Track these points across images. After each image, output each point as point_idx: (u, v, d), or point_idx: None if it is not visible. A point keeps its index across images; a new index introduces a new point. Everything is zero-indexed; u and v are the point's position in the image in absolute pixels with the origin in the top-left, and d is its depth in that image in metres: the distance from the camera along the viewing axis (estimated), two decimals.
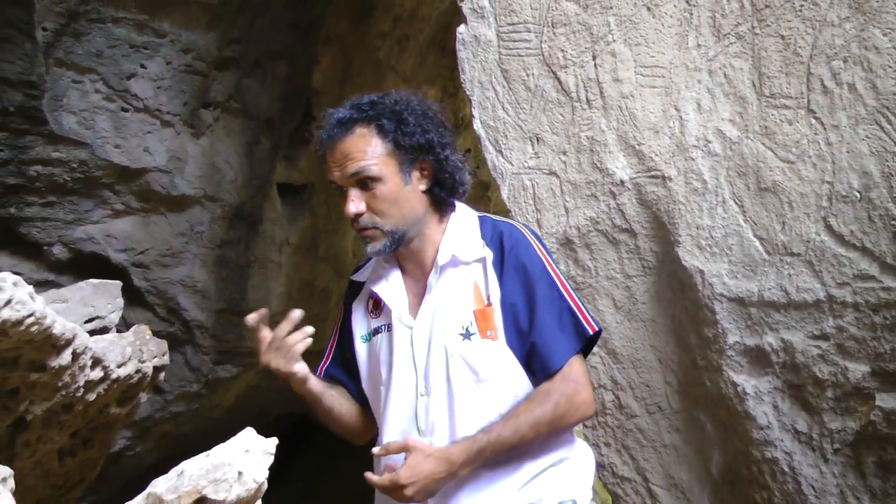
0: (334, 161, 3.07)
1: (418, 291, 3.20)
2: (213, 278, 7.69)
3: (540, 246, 3.16)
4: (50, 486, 4.17)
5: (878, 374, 3.78)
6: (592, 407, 3.07)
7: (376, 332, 3.27)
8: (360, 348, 3.33)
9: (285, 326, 3.04)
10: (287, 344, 3.07)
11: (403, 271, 3.26)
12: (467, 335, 3.06)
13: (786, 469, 4.00)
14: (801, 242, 3.84)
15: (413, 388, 3.13)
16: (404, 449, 2.90)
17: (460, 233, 3.18)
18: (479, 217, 3.26)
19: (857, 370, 3.81)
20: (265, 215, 7.92)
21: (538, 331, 3.03)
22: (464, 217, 3.24)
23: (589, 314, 3.09)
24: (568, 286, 3.10)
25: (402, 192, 3.07)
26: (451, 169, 3.14)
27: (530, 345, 3.04)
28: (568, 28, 4.19)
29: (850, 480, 3.92)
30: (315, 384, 3.21)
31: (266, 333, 3.09)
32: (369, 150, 3.03)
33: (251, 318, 3.11)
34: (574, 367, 3.02)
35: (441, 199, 3.17)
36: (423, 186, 3.13)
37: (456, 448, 2.92)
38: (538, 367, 3.04)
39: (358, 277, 3.42)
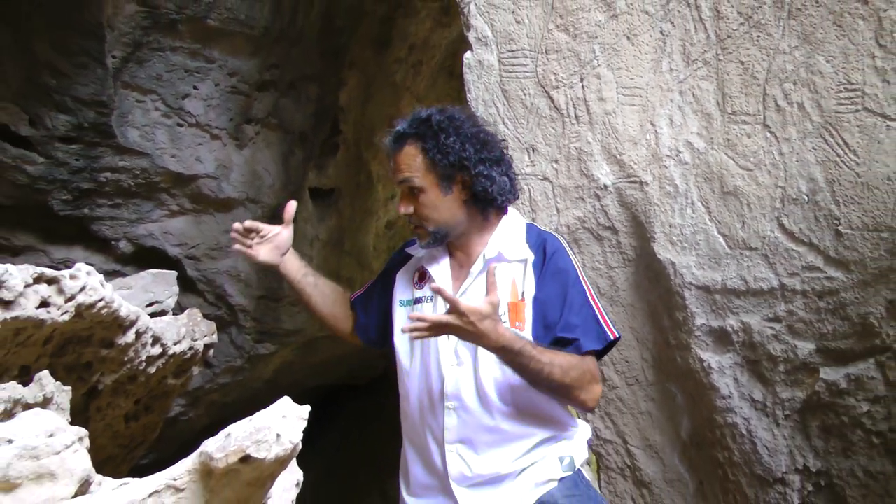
0: (392, 168, 3.21)
1: (460, 276, 3.26)
2: (254, 269, 7.67)
3: (574, 257, 3.21)
4: (118, 445, 4.18)
5: (822, 351, 3.83)
6: (596, 402, 3.10)
7: (419, 300, 3.31)
8: (399, 311, 3.37)
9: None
10: (278, 237, 3.33)
11: (452, 257, 3.31)
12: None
13: (744, 432, 4.02)
14: (758, 238, 3.86)
15: (447, 357, 3.17)
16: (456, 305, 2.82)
17: (508, 234, 3.24)
18: (527, 224, 3.33)
19: (805, 348, 3.85)
20: (298, 215, 7.78)
21: (564, 328, 3.06)
22: (513, 222, 3.31)
23: (611, 322, 3.13)
24: (595, 296, 3.16)
25: (442, 200, 3.15)
26: (484, 183, 3.15)
27: (555, 338, 3.06)
28: (559, 54, 4.20)
29: (798, 441, 3.95)
30: (295, 275, 3.43)
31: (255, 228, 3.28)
32: (413, 165, 3.14)
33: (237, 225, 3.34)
34: (592, 365, 3.07)
35: (480, 207, 3.22)
36: (463, 197, 3.18)
37: (506, 331, 2.90)
38: (565, 346, 3.06)
39: (410, 250, 3.45)
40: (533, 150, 4.28)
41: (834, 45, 3.67)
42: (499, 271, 3.07)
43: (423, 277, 3.33)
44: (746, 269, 3.90)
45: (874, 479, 3.80)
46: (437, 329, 2.87)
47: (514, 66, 4.30)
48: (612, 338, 3.10)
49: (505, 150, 3.31)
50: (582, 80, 4.17)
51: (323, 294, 3.56)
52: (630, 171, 4.12)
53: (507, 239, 3.21)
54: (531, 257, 3.16)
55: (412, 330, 2.85)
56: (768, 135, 3.82)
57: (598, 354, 3.16)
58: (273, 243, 3.33)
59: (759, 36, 3.83)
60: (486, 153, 3.18)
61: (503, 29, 4.31)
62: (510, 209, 3.32)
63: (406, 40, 8.15)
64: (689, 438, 4.25)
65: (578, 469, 3.17)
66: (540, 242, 3.21)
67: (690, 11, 3.96)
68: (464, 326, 2.80)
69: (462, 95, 4.81)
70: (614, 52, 4.12)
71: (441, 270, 3.28)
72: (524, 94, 4.28)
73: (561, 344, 3.03)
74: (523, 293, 3.11)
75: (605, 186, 4.17)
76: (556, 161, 4.25)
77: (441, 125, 3.14)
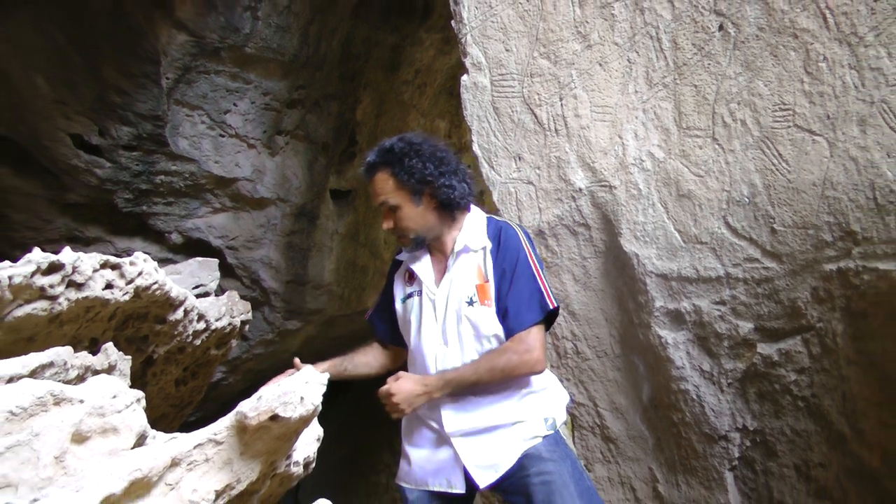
0: (371, 193, 3.30)
1: (441, 269, 3.33)
2: (283, 258, 7.69)
3: (527, 241, 3.26)
4: (169, 405, 4.18)
5: (759, 329, 3.85)
6: (542, 365, 3.14)
7: (410, 295, 3.38)
8: (399, 307, 3.45)
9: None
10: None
11: (432, 255, 3.37)
12: (471, 302, 3.18)
13: (694, 397, 4.03)
14: (708, 234, 3.86)
15: (436, 338, 3.25)
16: (396, 379, 3.10)
17: (472, 229, 3.30)
18: (487, 217, 3.38)
19: (745, 326, 3.87)
20: (321, 213, 7.92)
21: (511, 300, 3.14)
22: (475, 217, 3.36)
23: (552, 294, 3.18)
24: (542, 273, 3.20)
25: (416, 212, 3.24)
26: (447, 192, 3.24)
27: (504, 309, 3.15)
28: (542, 78, 4.20)
29: (738, 405, 3.95)
30: (338, 376, 3.41)
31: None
32: (387, 188, 3.23)
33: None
34: (532, 334, 3.12)
35: (447, 211, 3.29)
36: (433, 205, 3.26)
37: (430, 377, 3.12)
38: (507, 328, 3.15)
39: (400, 258, 3.52)
40: (519, 158, 4.28)
41: (770, 71, 3.68)
42: (466, 260, 3.24)
43: (411, 276, 3.41)
44: (698, 259, 3.91)
45: (799, 436, 3.81)
46: (394, 404, 3.10)
47: (503, 87, 4.29)
48: (551, 307, 3.14)
49: (459, 161, 3.38)
50: (561, 99, 4.17)
51: (361, 364, 3.57)
52: (601, 177, 4.12)
53: (470, 233, 3.28)
54: (489, 245, 3.24)
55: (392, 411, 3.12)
56: (716, 147, 3.82)
57: (546, 323, 3.22)
58: None
59: (709, 63, 3.83)
60: (444, 167, 3.26)
61: (495, 56, 4.31)
62: (472, 207, 3.38)
63: (413, 65, 8.15)
64: (648, 402, 4.25)
65: (557, 430, 3.19)
66: (497, 231, 3.27)
67: (653, 43, 3.97)
68: (399, 395, 3.07)
69: (460, 112, 4.81)
70: (588, 77, 4.12)
71: (424, 268, 3.36)
72: (512, 111, 4.28)
73: (507, 315, 3.13)
74: (487, 275, 3.19)
75: (580, 189, 4.16)
76: (539, 168, 4.25)
77: (403, 151, 3.23)
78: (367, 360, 3.55)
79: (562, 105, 4.17)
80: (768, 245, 3.73)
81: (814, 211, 3.58)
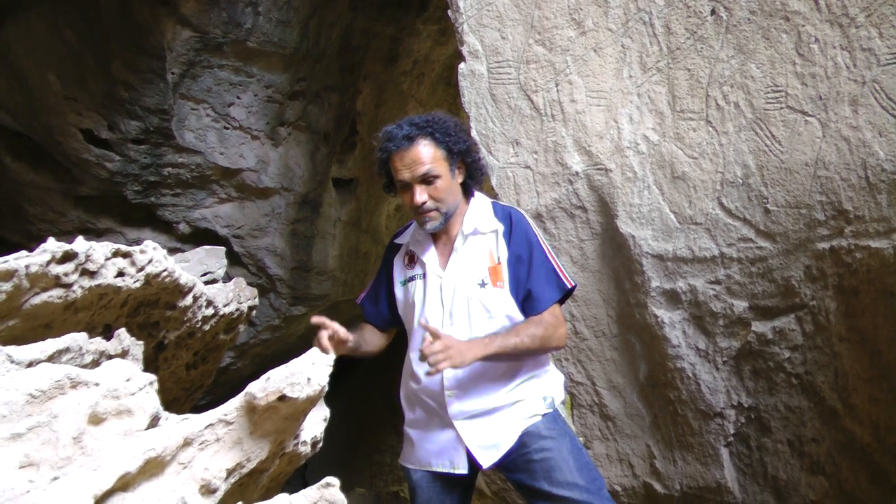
0: (404, 165, 3.12)
1: (445, 252, 3.25)
2: (288, 245, 7.70)
3: (533, 225, 3.23)
4: (181, 389, 4.19)
5: (753, 308, 3.85)
6: (565, 340, 3.16)
7: (412, 278, 3.31)
8: (399, 289, 3.38)
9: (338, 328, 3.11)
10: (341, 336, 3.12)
11: (434, 237, 3.28)
12: (483, 285, 3.14)
13: (690, 375, 4.03)
14: (702, 215, 3.85)
15: (440, 319, 3.19)
16: (437, 335, 2.90)
17: (479, 211, 3.25)
18: (492, 202, 3.32)
19: (740, 305, 3.86)
20: (324, 201, 7.93)
21: (532, 283, 3.11)
22: (480, 201, 3.30)
23: (567, 274, 3.17)
24: (553, 254, 3.19)
25: (451, 184, 3.16)
26: (479, 166, 3.24)
27: (527, 291, 3.11)
28: (538, 64, 4.17)
29: (734, 382, 3.96)
30: (354, 352, 3.27)
31: (327, 329, 3.11)
32: (430, 156, 3.10)
33: (315, 318, 3.19)
34: (557, 310, 3.13)
35: (469, 188, 3.26)
36: (460, 179, 3.21)
37: (475, 340, 3.00)
38: (530, 308, 3.11)
39: (399, 240, 3.44)
40: (517, 144, 4.25)
41: (763, 54, 3.66)
42: (475, 242, 3.18)
43: (412, 259, 3.34)
44: (693, 240, 3.90)
45: (792, 412, 3.82)
46: (450, 355, 2.90)
47: (500, 74, 4.27)
48: (568, 286, 3.14)
49: None
50: (557, 85, 4.15)
51: (370, 342, 3.47)
52: (597, 160, 4.09)
53: (478, 216, 3.23)
54: (501, 227, 3.18)
55: (433, 365, 2.88)
56: (710, 129, 3.80)
57: (561, 300, 3.20)
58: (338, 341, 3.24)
59: (702, 47, 3.81)
60: (474, 143, 3.25)
61: (491, 44, 4.28)
62: (475, 192, 3.32)
63: (410, 56, 8.14)
64: (645, 380, 4.25)
65: (556, 408, 3.19)
66: (506, 215, 3.22)
67: (646, 28, 3.94)
68: (447, 354, 2.86)
69: (457, 101, 4.79)
70: (583, 63, 4.09)
71: (428, 250, 3.28)
72: (509, 98, 4.26)
73: (530, 296, 3.10)
74: (499, 258, 3.15)
75: (577, 173, 4.14)
76: (536, 152, 4.22)
77: (441, 122, 3.15)
78: (374, 339, 3.50)
79: (558, 91, 4.15)
80: (762, 225, 3.71)
81: (806, 191, 3.57)
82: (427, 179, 3.10)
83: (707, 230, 3.85)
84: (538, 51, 4.18)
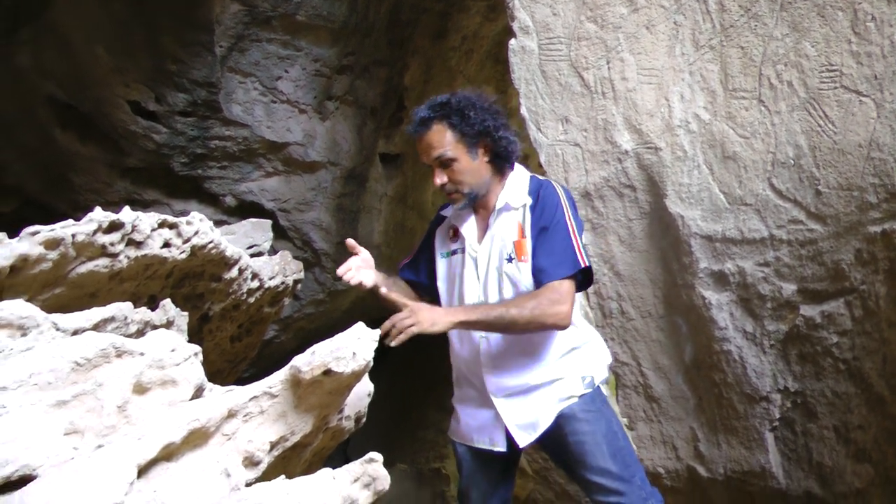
0: (421, 149, 3.19)
1: (484, 227, 3.27)
2: (333, 220, 7.72)
3: (566, 200, 3.19)
4: (225, 361, 4.23)
5: (802, 291, 3.82)
6: (568, 320, 3.04)
7: (454, 252, 3.34)
8: (441, 262, 3.41)
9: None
10: (367, 260, 3.20)
11: (475, 212, 3.31)
12: (510, 259, 3.15)
13: (736, 358, 4.02)
14: (752, 196, 3.83)
15: (476, 294, 3.22)
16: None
17: (514, 186, 3.24)
18: (531, 176, 3.31)
19: (788, 288, 3.84)
20: (370, 176, 7.94)
21: (544, 253, 3.09)
22: (518, 175, 3.29)
23: (585, 253, 3.11)
24: (576, 231, 3.13)
25: (472, 165, 3.16)
26: (504, 144, 3.19)
27: (537, 264, 3.10)
28: (589, 41, 4.14)
29: (780, 366, 3.95)
30: (381, 289, 3.22)
31: (358, 257, 3.19)
32: (444, 140, 3.13)
33: (351, 241, 3.25)
34: (563, 286, 3.04)
35: (499, 166, 3.23)
36: (486, 159, 3.19)
37: (458, 307, 3.11)
38: (538, 278, 3.08)
39: (444, 213, 3.48)
40: (566, 121, 4.23)
41: (818, 32, 3.61)
42: (507, 217, 3.18)
43: (455, 233, 3.36)
44: (742, 221, 3.87)
45: (839, 398, 3.80)
46: (412, 318, 2.90)
47: (551, 50, 4.24)
48: (581, 265, 3.06)
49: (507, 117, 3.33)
50: (608, 62, 4.11)
51: (402, 292, 3.46)
52: (647, 139, 4.07)
53: (512, 191, 3.22)
54: (529, 202, 3.17)
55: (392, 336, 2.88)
56: (762, 108, 3.76)
57: (580, 285, 3.17)
58: (367, 266, 3.25)
59: (756, 25, 3.76)
60: (501, 120, 3.22)
61: (542, 20, 4.25)
62: (516, 165, 3.31)
63: (459, 32, 8.11)
64: (691, 362, 4.24)
65: (598, 387, 3.19)
66: (537, 188, 3.21)
67: (699, 5, 3.89)
68: (416, 317, 2.86)
69: (506, 78, 4.78)
70: (635, 40, 4.06)
71: (468, 225, 3.31)
72: (559, 74, 4.23)
73: (538, 267, 3.08)
74: (524, 231, 3.15)
75: (626, 151, 4.12)
76: (586, 130, 4.20)
77: (461, 103, 3.16)
78: (407, 293, 3.51)
79: (609, 68, 4.11)
80: (812, 207, 3.67)
81: (859, 172, 3.53)
82: (443, 163, 3.14)
83: (757, 211, 3.82)
84: (590, 27, 4.14)
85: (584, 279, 3.18)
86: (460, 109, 3.14)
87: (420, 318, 2.87)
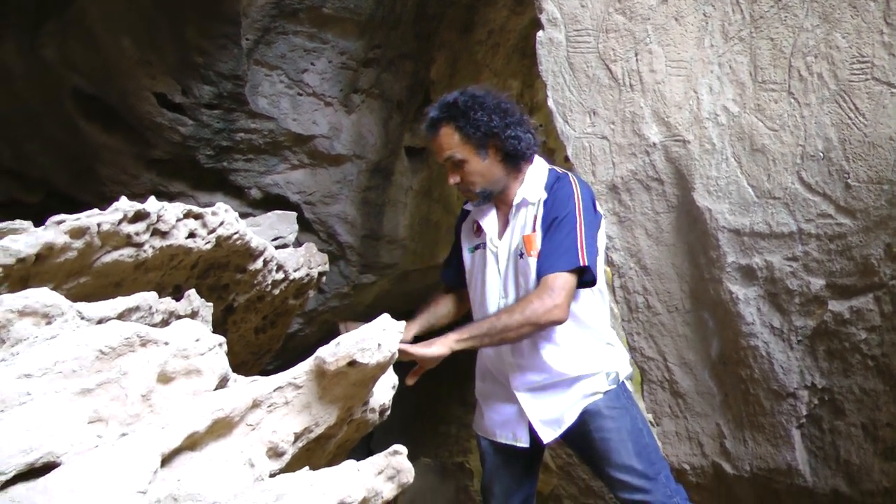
0: (433, 150, 3.27)
1: (504, 222, 3.29)
2: (359, 213, 7.74)
3: (580, 193, 3.19)
4: (249, 352, 4.25)
5: (830, 286, 3.78)
6: (562, 313, 3.01)
7: (477, 247, 3.36)
8: (467, 257, 3.44)
9: None
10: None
11: (497, 207, 3.33)
12: (521, 254, 3.16)
13: (763, 354, 3.99)
14: (781, 189, 3.80)
15: (497, 289, 3.25)
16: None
17: (532, 181, 3.25)
18: (549, 169, 3.32)
19: (817, 283, 3.80)
20: (396, 169, 7.94)
21: (548, 246, 3.09)
22: (537, 169, 3.30)
23: (587, 252, 3.07)
24: (584, 227, 3.10)
25: (482, 165, 3.18)
26: (513, 143, 3.18)
27: (541, 253, 3.11)
28: (617, 33, 4.12)
29: (808, 362, 3.91)
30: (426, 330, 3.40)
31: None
32: (452, 142, 3.16)
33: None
34: (558, 280, 3.02)
35: (512, 163, 3.23)
36: (497, 158, 3.20)
37: (445, 337, 3.03)
38: (538, 271, 3.09)
39: (467, 208, 3.49)
40: (594, 114, 4.21)
41: (849, 23, 3.57)
42: (525, 213, 3.19)
43: (478, 228, 3.38)
44: (770, 215, 3.84)
45: (868, 395, 3.76)
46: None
47: (579, 42, 4.22)
48: (580, 263, 3.02)
49: (522, 111, 3.32)
50: (636, 54, 4.09)
51: (443, 315, 3.58)
52: (675, 132, 4.04)
53: (530, 185, 3.23)
54: (545, 196, 3.18)
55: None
56: (792, 101, 3.73)
57: (586, 283, 3.14)
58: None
59: (786, 16, 3.73)
60: (509, 118, 3.20)
61: (570, 12, 4.23)
62: (536, 158, 3.32)
63: (486, 26, 8.10)
64: (717, 358, 4.22)
65: (622, 382, 3.19)
66: (553, 182, 3.22)
67: None
68: (421, 357, 2.96)
69: (532, 71, 4.77)
70: (664, 31, 4.03)
71: (489, 221, 3.33)
72: (587, 67, 4.21)
73: (539, 261, 3.09)
74: (535, 226, 3.15)
75: (654, 144, 4.09)
76: (613, 123, 4.18)
77: (467, 104, 3.16)
78: (447, 310, 3.56)
79: (637, 60, 4.09)
80: (842, 201, 3.64)
81: (889, 166, 3.49)
82: (454, 163, 3.17)
83: (785, 205, 3.79)
84: (618, 19, 4.12)
85: (590, 277, 3.14)
86: (466, 112, 3.15)
87: (420, 360, 3.00)
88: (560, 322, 3.05)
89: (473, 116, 3.13)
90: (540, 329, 3.06)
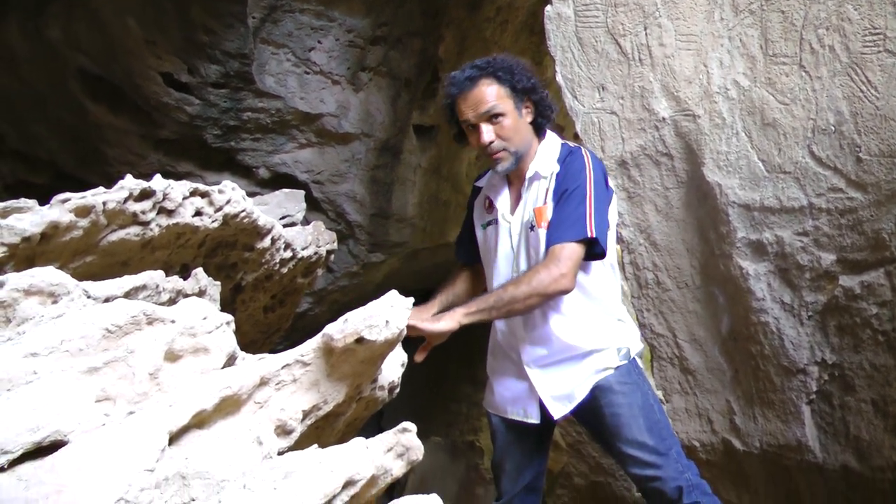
0: (468, 106, 3.11)
1: (516, 197, 3.25)
2: (367, 192, 7.75)
3: (592, 168, 3.14)
4: (258, 331, 4.25)
5: (841, 261, 3.76)
6: (569, 282, 2.99)
7: (490, 223, 3.33)
8: (480, 233, 3.40)
9: None
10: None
11: (509, 182, 3.30)
12: (532, 227, 3.12)
13: (774, 329, 3.97)
14: (791, 164, 3.77)
15: (511, 264, 3.22)
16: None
17: (545, 155, 3.21)
18: (562, 143, 3.28)
19: (827, 258, 3.78)
20: (404, 147, 7.93)
21: (557, 216, 3.06)
22: (550, 143, 3.26)
23: (595, 224, 3.03)
24: (594, 201, 3.07)
25: (519, 122, 3.13)
26: (547, 104, 3.19)
27: (551, 224, 3.08)
28: (626, 7, 4.10)
29: (818, 338, 3.90)
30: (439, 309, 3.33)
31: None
32: (493, 94, 3.08)
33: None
34: (565, 250, 2.99)
35: (540, 127, 3.22)
36: (529, 119, 3.17)
37: (453, 311, 3.02)
38: (547, 241, 3.06)
39: (479, 184, 3.47)
40: (603, 89, 4.19)
41: None
42: (537, 186, 3.16)
43: (490, 204, 3.35)
44: (781, 189, 3.81)
45: (878, 371, 3.75)
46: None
47: (587, 17, 4.19)
48: (588, 234, 2.98)
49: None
50: (645, 28, 4.06)
51: (462, 293, 3.53)
52: (685, 106, 4.01)
53: (543, 159, 3.19)
54: (557, 169, 3.14)
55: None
56: (803, 74, 3.70)
57: (595, 255, 3.11)
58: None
59: None
60: (540, 83, 3.22)
61: None
62: (548, 132, 3.29)
63: (494, 3, 8.07)
64: (727, 334, 4.20)
65: (633, 359, 3.18)
66: (565, 155, 3.18)
67: None
68: (430, 332, 2.95)
69: (541, 49, 4.75)
70: (673, 5, 4.00)
71: (501, 195, 3.30)
72: (596, 41, 4.18)
73: (548, 231, 3.07)
74: (546, 199, 3.12)
75: (664, 119, 4.07)
76: (622, 98, 4.15)
77: (503, 62, 3.15)
78: (465, 287, 3.53)
79: (646, 34, 4.06)
80: (853, 175, 3.61)
81: None
82: (492, 118, 3.09)
83: (796, 179, 3.77)
84: None
85: (599, 249, 3.11)
86: (507, 67, 3.12)
87: (428, 336, 3.01)
88: (566, 291, 3.02)
89: (515, 70, 3.13)
90: (547, 299, 3.04)
